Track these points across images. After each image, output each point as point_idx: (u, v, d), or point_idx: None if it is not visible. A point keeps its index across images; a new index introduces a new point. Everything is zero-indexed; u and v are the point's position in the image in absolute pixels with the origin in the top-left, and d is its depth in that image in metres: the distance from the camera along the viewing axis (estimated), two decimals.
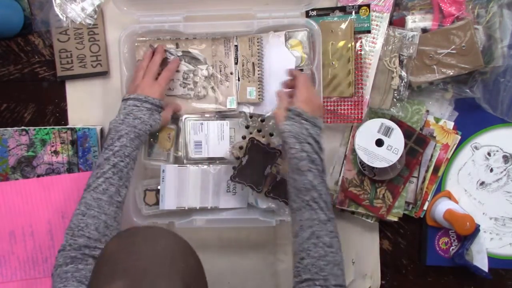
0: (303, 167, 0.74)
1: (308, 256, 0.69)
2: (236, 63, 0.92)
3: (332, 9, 0.94)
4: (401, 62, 0.93)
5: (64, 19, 0.95)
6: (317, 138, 0.78)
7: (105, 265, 0.56)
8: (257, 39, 0.91)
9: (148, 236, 0.59)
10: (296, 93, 0.82)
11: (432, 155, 0.96)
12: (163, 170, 0.92)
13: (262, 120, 0.92)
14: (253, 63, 0.91)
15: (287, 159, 0.78)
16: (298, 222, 0.73)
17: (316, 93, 0.85)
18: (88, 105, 0.99)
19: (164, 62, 0.91)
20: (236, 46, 0.92)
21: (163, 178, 0.92)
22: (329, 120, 0.95)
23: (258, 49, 0.91)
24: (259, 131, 0.92)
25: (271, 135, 0.92)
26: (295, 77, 0.85)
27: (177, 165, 0.93)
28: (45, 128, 0.96)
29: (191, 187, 0.93)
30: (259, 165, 0.90)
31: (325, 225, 0.71)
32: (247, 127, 0.93)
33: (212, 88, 0.92)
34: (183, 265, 0.57)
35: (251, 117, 0.93)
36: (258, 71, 0.92)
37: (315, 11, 0.94)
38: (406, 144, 0.93)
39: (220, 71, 0.91)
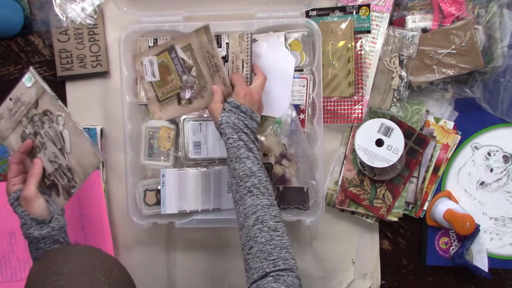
0: (241, 154, 0.75)
1: (255, 243, 0.69)
2: (226, 61, 0.90)
3: (332, 9, 0.94)
4: (401, 62, 0.93)
5: (64, 19, 0.96)
6: (253, 129, 0.79)
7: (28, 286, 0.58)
8: (247, 35, 0.90)
9: (69, 255, 0.61)
10: (235, 88, 0.82)
11: (432, 155, 0.97)
12: (163, 174, 0.92)
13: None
14: (242, 60, 0.91)
15: (226, 151, 0.78)
16: (242, 212, 0.73)
17: (256, 90, 0.83)
18: (88, 105, 0.99)
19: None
20: (227, 43, 0.91)
21: (163, 183, 0.92)
22: (329, 120, 0.95)
23: (247, 46, 0.90)
24: None
25: (265, 155, 0.91)
26: (232, 76, 0.86)
27: (176, 169, 0.93)
28: None
29: (191, 190, 0.93)
30: None
31: (269, 210, 0.71)
32: None
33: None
34: (104, 278, 0.60)
35: None
36: (247, 68, 0.91)
37: (315, 11, 0.94)
38: (406, 144, 0.93)
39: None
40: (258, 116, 0.81)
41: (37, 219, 0.74)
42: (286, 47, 0.93)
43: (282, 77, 0.92)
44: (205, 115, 0.95)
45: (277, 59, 0.93)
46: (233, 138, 0.76)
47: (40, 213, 0.74)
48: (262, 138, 0.91)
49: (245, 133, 0.77)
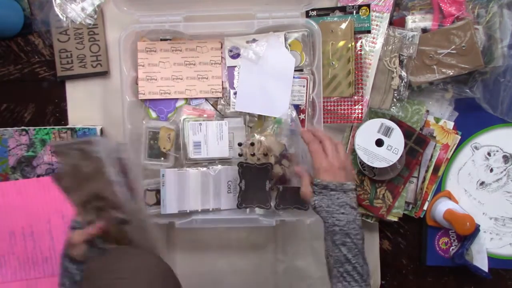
0: (337, 241, 0.73)
1: None
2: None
3: (332, 9, 0.94)
4: (401, 62, 0.93)
5: (64, 19, 0.96)
6: (350, 203, 0.75)
7: (85, 281, 0.59)
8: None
9: (132, 257, 0.62)
10: (313, 163, 0.78)
11: (432, 155, 0.96)
12: (163, 174, 0.92)
13: (252, 144, 0.92)
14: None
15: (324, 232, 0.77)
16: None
17: (336, 155, 0.78)
18: (88, 105, 0.99)
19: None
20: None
21: (163, 183, 0.92)
22: (329, 120, 0.95)
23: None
24: (252, 155, 0.92)
25: (265, 155, 0.91)
26: (308, 144, 0.80)
27: (176, 169, 0.93)
28: (45, 128, 0.97)
29: (191, 190, 0.93)
30: (258, 184, 0.91)
31: None
32: (240, 155, 0.94)
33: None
34: (161, 280, 0.61)
35: (240, 144, 0.94)
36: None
37: (315, 11, 0.94)
38: (406, 144, 0.93)
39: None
40: (350, 185, 0.76)
41: None
42: (286, 47, 0.93)
43: (282, 77, 0.92)
44: (205, 115, 0.95)
45: (277, 59, 0.93)
46: (328, 222, 0.74)
47: None
48: (262, 138, 0.91)
49: (341, 213, 0.74)
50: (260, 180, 0.91)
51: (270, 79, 0.93)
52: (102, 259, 0.63)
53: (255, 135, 0.92)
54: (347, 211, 0.74)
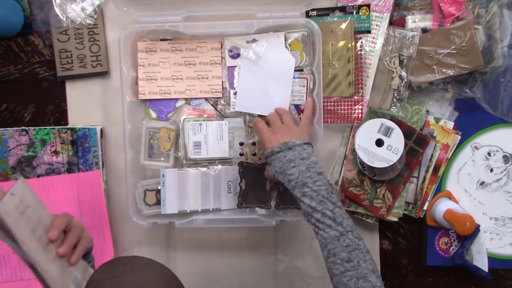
0: (297, 194, 0.75)
1: (333, 275, 0.70)
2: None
3: (332, 9, 0.94)
4: (401, 62, 0.93)
5: (64, 19, 0.96)
6: (300, 155, 0.77)
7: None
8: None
9: (135, 266, 0.61)
10: (260, 140, 0.84)
11: (432, 155, 0.96)
12: (163, 174, 0.92)
13: (253, 144, 0.93)
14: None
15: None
16: (319, 243, 0.74)
17: (277, 120, 0.84)
18: (88, 105, 0.99)
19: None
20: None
21: (163, 183, 0.92)
22: (329, 120, 0.95)
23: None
24: (253, 154, 0.93)
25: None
26: (257, 133, 0.86)
27: (176, 169, 0.93)
28: (45, 128, 0.97)
29: (191, 190, 0.94)
30: (258, 184, 0.92)
31: (338, 241, 0.71)
32: (241, 154, 0.94)
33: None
34: None
35: (241, 144, 0.94)
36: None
37: (315, 11, 0.94)
38: (406, 144, 0.93)
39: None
40: (296, 141, 0.79)
41: None
42: (286, 47, 0.93)
43: (282, 77, 0.92)
44: (205, 115, 0.95)
45: (277, 59, 0.93)
46: (285, 182, 0.77)
47: None
48: None
49: (292, 167, 0.76)
50: (261, 179, 0.91)
51: (270, 79, 0.93)
52: (108, 270, 0.61)
53: (253, 136, 0.93)
54: (296, 163, 0.76)
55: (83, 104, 0.99)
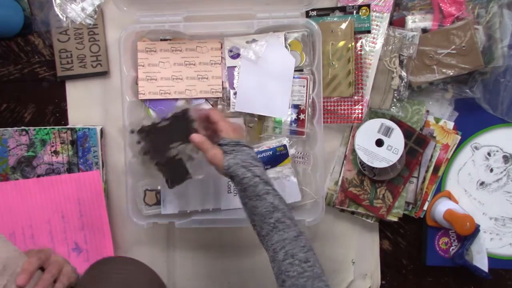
0: (260, 191, 0.73)
1: (288, 278, 0.68)
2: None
3: (332, 9, 0.94)
4: (401, 62, 0.93)
5: (64, 19, 0.96)
6: (258, 159, 0.78)
7: None
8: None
9: (118, 266, 0.62)
10: (219, 127, 0.80)
11: (432, 155, 0.96)
12: None
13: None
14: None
15: (239, 192, 0.76)
16: (270, 247, 0.71)
17: (235, 124, 0.84)
18: (88, 105, 0.99)
19: None
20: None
21: (163, 183, 0.92)
22: (329, 120, 0.95)
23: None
24: None
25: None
26: (208, 115, 0.82)
27: None
28: (45, 128, 0.97)
29: (191, 190, 0.93)
30: (171, 135, 0.83)
31: (296, 241, 0.70)
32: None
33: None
34: None
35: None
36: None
37: (315, 11, 0.94)
38: (406, 144, 0.93)
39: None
40: (251, 145, 0.80)
41: None
42: (286, 47, 0.93)
43: (282, 77, 0.92)
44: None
45: (277, 59, 0.93)
46: (247, 177, 0.73)
47: None
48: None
49: (256, 166, 0.75)
50: (176, 134, 0.83)
51: (270, 79, 0.93)
52: (92, 270, 0.63)
53: None
54: (258, 164, 0.76)
55: (83, 104, 0.99)
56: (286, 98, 0.93)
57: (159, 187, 0.93)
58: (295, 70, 0.93)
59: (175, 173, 0.84)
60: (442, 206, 0.95)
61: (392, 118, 0.94)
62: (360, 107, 0.94)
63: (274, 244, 0.70)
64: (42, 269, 0.62)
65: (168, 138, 0.83)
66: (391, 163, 0.91)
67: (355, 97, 0.94)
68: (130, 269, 0.62)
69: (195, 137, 0.80)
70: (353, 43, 0.92)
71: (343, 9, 0.94)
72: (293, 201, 0.95)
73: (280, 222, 0.71)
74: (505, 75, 0.93)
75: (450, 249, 1.00)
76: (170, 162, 0.83)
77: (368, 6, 0.92)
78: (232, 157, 0.76)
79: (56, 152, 0.97)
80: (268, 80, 0.93)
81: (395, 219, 0.97)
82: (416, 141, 0.94)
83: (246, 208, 0.75)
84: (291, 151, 0.93)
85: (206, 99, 0.96)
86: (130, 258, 0.65)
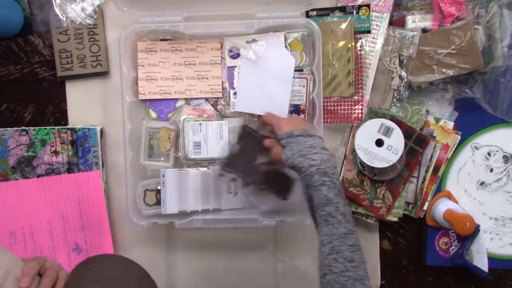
0: (315, 182, 0.71)
1: (330, 272, 0.68)
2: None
3: (332, 9, 0.94)
4: (401, 62, 0.93)
5: (64, 19, 0.96)
6: (320, 145, 0.76)
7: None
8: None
9: (107, 264, 0.63)
10: (275, 126, 0.80)
11: (432, 155, 0.96)
12: (163, 174, 0.92)
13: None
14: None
15: (302, 183, 0.75)
16: (320, 238, 0.71)
17: (291, 117, 0.84)
18: (88, 105, 0.99)
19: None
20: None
21: (163, 183, 0.92)
22: (329, 120, 0.95)
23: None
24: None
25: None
26: (267, 120, 0.83)
27: (176, 169, 0.93)
28: (45, 128, 0.97)
29: (192, 190, 0.93)
30: (250, 154, 0.86)
31: (345, 239, 0.69)
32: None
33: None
34: (135, 285, 0.62)
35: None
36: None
37: (315, 11, 0.94)
38: (406, 144, 0.93)
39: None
40: (314, 131, 0.78)
41: None
42: (286, 47, 0.93)
43: (282, 77, 0.92)
44: (205, 116, 0.95)
45: (277, 59, 0.93)
46: (304, 166, 0.72)
47: None
48: None
49: (315, 153, 0.73)
50: (254, 152, 0.86)
51: (270, 79, 0.93)
52: (79, 269, 0.63)
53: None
54: (319, 151, 0.74)
55: (83, 104, 0.99)
56: (286, 99, 0.93)
57: (159, 187, 0.94)
58: (295, 70, 0.93)
59: (280, 183, 0.85)
60: (442, 206, 0.96)
61: (392, 118, 0.94)
62: (360, 107, 0.94)
63: (323, 236, 0.70)
64: (39, 275, 0.65)
65: (249, 159, 0.86)
66: (391, 163, 0.91)
67: (355, 97, 0.94)
68: (119, 266, 0.63)
69: (266, 142, 0.83)
70: (353, 43, 0.92)
71: (343, 9, 0.94)
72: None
73: (332, 216, 0.70)
74: (505, 75, 0.93)
75: (450, 249, 1.00)
76: (268, 177, 0.86)
77: (368, 6, 0.92)
78: (288, 149, 0.75)
79: (56, 152, 0.97)
80: (268, 80, 0.93)
81: (395, 219, 0.97)
82: (416, 141, 0.94)
83: (305, 195, 0.75)
84: None
85: (206, 99, 0.96)
86: (120, 256, 0.65)
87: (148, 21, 0.91)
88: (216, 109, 0.96)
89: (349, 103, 0.94)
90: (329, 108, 0.95)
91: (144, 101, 0.96)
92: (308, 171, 0.72)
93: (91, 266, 0.63)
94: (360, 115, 0.94)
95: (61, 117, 0.99)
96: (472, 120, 0.98)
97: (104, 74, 0.98)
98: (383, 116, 0.95)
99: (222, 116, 0.96)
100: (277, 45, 0.92)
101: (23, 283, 0.61)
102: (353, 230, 0.71)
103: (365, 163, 0.93)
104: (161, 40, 0.95)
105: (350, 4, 0.93)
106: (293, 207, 0.93)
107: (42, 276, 0.65)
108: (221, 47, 0.95)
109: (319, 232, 0.72)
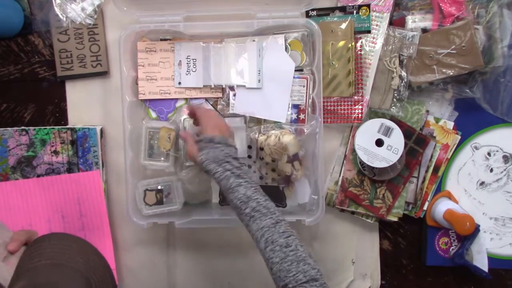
0: (232, 184, 0.75)
1: (273, 264, 0.70)
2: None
3: (332, 9, 0.94)
4: (401, 62, 0.93)
5: (64, 19, 0.96)
6: (234, 155, 0.79)
7: (15, 271, 0.62)
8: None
9: (52, 240, 0.65)
10: (201, 124, 0.83)
11: (432, 155, 0.96)
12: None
13: (261, 149, 0.92)
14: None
15: (220, 190, 0.78)
16: (253, 237, 0.73)
17: (220, 117, 0.86)
18: (88, 105, 0.99)
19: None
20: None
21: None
22: (329, 120, 0.95)
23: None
24: (261, 158, 0.92)
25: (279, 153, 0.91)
26: (195, 111, 0.86)
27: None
28: (45, 128, 0.97)
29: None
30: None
31: (275, 228, 0.71)
32: (249, 156, 0.94)
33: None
34: (81, 260, 0.62)
35: (249, 147, 0.94)
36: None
37: (315, 11, 0.94)
38: (406, 144, 0.93)
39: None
40: (233, 141, 0.82)
41: None
42: (286, 47, 0.93)
43: (281, 81, 0.92)
44: None
45: (277, 63, 0.92)
46: (218, 171, 0.76)
47: None
48: (280, 135, 0.90)
49: (227, 162, 0.77)
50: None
51: (270, 82, 0.93)
52: (29, 247, 0.65)
53: (273, 130, 0.92)
54: (231, 160, 0.77)
55: (83, 104, 0.99)
56: (285, 102, 0.92)
57: (159, 187, 0.93)
58: (295, 70, 0.92)
59: (273, 196, 0.85)
60: (442, 206, 0.95)
61: (392, 118, 0.94)
62: (360, 107, 0.94)
63: (254, 234, 0.72)
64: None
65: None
66: (391, 163, 0.91)
67: (355, 97, 0.94)
68: (64, 244, 0.64)
69: (181, 133, 0.89)
70: (353, 43, 0.92)
71: (343, 9, 0.94)
72: (302, 202, 0.95)
73: (256, 211, 0.73)
74: (505, 75, 0.93)
75: (450, 249, 1.00)
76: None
77: (368, 6, 0.92)
78: (204, 153, 0.78)
79: (56, 152, 0.97)
80: (267, 83, 0.93)
81: (395, 219, 0.97)
82: (416, 141, 0.94)
83: (230, 203, 0.77)
84: (300, 153, 0.93)
85: (206, 99, 0.96)
86: (71, 235, 0.66)
87: (148, 21, 0.91)
88: (216, 109, 0.96)
89: (349, 103, 0.94)
90: (329, 108, 0.95)
91: (144, 101, 0.96)
92: (223, 176, 0.76)
93: (40, 244, 0.64)
94: (360, 115, 0.94)
95: (61, 117, 0.99)
96: (472, 120, 0.98)
97: (104, 74, 0.98)
98: (383, 116, 0.95)
99: (222, 116, 0.95)
100: (276, 48, 0.92)
101: (11, 247, 0.65)
102: (280, 219, 0.72)
103: (365, 163, 0.93)
104: (161, 40, 0.95)
105: (350, 4, 0.93)
106: (293, 209, 0.93)
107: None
108: None
109: (249, 232, 0.74)
